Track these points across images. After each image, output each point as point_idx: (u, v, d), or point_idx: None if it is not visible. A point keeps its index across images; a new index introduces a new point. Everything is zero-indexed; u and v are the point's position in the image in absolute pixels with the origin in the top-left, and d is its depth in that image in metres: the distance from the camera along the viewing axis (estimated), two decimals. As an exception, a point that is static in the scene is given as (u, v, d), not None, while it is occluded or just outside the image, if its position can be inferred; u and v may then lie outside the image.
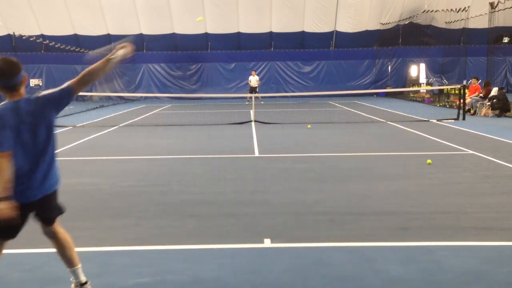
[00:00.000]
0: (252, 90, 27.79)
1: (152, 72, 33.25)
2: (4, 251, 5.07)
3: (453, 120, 16.98)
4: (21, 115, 3.42)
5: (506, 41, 32.81)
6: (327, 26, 32.91)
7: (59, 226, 3.89)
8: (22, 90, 3.52)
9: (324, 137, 13.39)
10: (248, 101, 28.17)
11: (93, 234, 5.54)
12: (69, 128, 16.45)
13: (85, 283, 3.93)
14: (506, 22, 31.19)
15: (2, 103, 3.47)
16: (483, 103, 19.33)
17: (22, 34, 25.20)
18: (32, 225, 5.90)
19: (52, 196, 3.72)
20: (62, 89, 3.58)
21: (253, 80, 28.32)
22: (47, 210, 3.74)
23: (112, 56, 3.60)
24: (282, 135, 13.95)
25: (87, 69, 3.59)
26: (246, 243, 5.16)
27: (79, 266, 3.91)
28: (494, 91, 18.76)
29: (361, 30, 32.94)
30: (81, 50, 30.94)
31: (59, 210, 3.86)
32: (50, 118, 3.55)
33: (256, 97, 28.41)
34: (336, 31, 33.07)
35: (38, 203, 3.62)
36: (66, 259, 3.87)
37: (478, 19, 31.71)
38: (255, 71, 29.90)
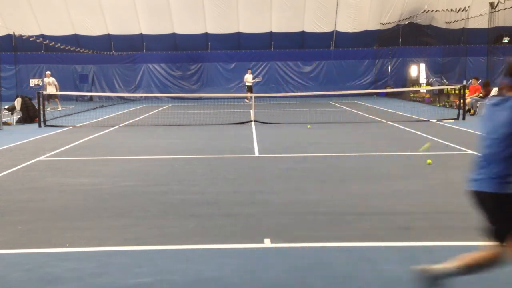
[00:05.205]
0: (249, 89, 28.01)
1: (152, 72, 33.22)
2: (4, 251, 5.10)
3: (453, 120, 16.98)
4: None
5: (506, 41, 32.76)
6: (327, 26, 32.89)
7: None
8: None
9: (324, 137, 13.38)
10: (248, 99, 28.35)
11: (93, 234, 5.54)
12: (69, 128, 16.45)
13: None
14: (506, 22, 31.13)
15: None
16: (483, 103, 19.33)
17: (22, 34, 25.14)
18: (33, 225, 5.91)
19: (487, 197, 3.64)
20: None
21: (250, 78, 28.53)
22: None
23: None
24: (282, 135, 13.94)
25: None
26: (246, 243, 5.16)
27: None
28: (494, 91, 18.76)
29: (361, 30, 32.92)
30: (81, 50, 30.94)
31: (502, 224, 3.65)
32: None
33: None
34: (336, 31, 33.06)
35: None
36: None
37: (478, 19, 31.66)
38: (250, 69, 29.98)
